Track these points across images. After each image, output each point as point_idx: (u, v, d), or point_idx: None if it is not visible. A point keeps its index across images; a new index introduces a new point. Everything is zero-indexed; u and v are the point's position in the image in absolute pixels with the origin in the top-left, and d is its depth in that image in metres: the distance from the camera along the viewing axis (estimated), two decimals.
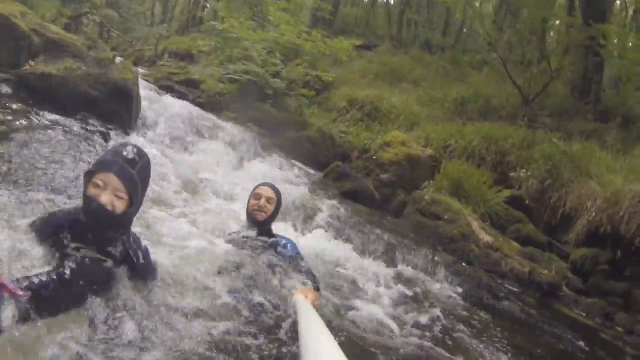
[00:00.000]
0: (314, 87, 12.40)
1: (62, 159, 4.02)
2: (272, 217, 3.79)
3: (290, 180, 6.49)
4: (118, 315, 2.14)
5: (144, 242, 2.49)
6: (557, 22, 16.21)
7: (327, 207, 5.64)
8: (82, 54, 6.18)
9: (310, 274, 3.45)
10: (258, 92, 10.10)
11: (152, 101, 6.63)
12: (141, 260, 2.38)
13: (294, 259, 3.56)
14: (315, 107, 11.96)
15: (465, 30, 21.76)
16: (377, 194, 7.40)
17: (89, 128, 5.05)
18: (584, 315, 5.79)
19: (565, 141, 8.62)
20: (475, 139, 8.83)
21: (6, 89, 5.26)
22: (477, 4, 20.67)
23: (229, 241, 3.65)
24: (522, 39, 13.30)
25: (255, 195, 3.76)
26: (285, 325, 2.68)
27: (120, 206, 2.19)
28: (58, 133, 4.46)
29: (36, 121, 4.59)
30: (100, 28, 20.26)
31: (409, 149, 8.46)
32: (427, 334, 3.47)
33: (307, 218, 5.20)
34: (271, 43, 11.78)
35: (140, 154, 2.29)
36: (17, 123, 4.43)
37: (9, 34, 5.84)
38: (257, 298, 2.90)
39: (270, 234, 3.74)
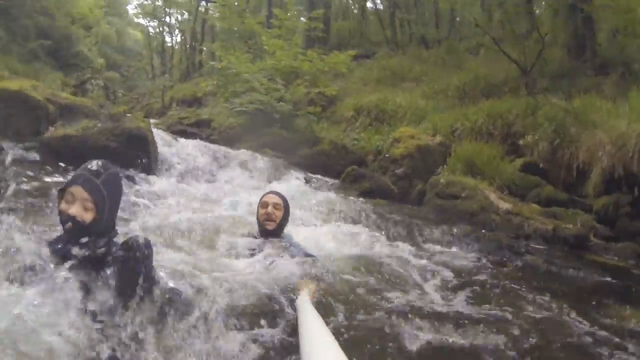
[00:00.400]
0: (319, 103, 12.85)
1: None
2: (282, 224, 3.92)
3: (310, 189, 6.91)
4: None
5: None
6: None
7: (348, 203, 6.10)
8: (94, 113, 6.85)
9: (314, 267, 3.54)
10: (266, 119, 10.57)
11: (167, 144, 7.20)
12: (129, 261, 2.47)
13: (298, 251, 3.73)
14: (324, 121, 12.46)
15: (458, 19, 22.14)
16: (394, 188, 7.78)
17: None
18: (616, 259, 5.78)
19: (566, 100, 8.88)
20: (480, 118, 9.15)
21: (33, 155, 5.91)
22: None
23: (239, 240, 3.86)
24: (510, 14, 13.64)
25: (263, 204, 3.90)
26: (286, 320, 2.72)
27: (88, 216, 2.38)
28: None
29: (64, 179, 5.03)
30: (105, 90, 21.07)
31: (418, 140, 8.82)
32: (449, 296, 3.68)
33: (330, 212, 5.62)
34: (270, 70, 12.26)
35: (105, 166, 2.51)
36: (48, 180, 5.02)
37: (26, 105, 6.57)
38: (258, 290, 2.96)
39: (280, 233, 3.91)
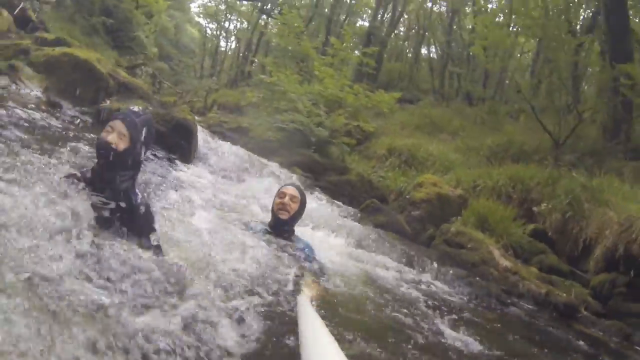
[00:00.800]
0: (356, 136, 13.62)
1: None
2: (296, 217, 3.99)
3: (330, 212, 7.52)
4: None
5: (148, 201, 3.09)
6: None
7: (361, 230, 6.70)
8: (148, 96, 7.83)
9: (320, 270, 3.75)
10: (302, 140, 11.25)
11: (206, 141, 8.03)
12: (140, 210, 2.93)
13: (307, 257, 3.83)
14: (356, 154, 13.17)
15: (507, 82, 22.74)
16: (407, 227, 8.37)
17: (158, 155, 6.46)
18: (601, 334, 5.98)
19: (586, 176, 9.41)
20: (502, 179, 9.73)
21: (89, 120, 6.85)
22: (517, 54, 21.87)
23: (249, 229, 3.95)
24: (555, 85, 14.23)
25: (280, 194, 3.95)
26: (286, 320, 2.80)
27: (121, 144, 2.76)
28: None
29: None
30: (153, 79, 21.79)
31: (440, 188, 9.41)
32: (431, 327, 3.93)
33: (341, 230, 6.22)
34: (316, 95, 12.88)
35: (145, 111, 2.99)
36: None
37: (90, 75, 7.59)
38: (260, 289, 3.07)
39: (292, 234, 4.02)
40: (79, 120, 6.79)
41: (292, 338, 2.55)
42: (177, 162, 6.79)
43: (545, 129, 12.09)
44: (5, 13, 10.02)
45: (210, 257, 3.18)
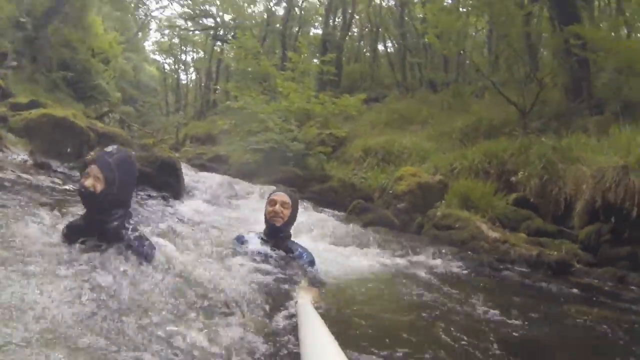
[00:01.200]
0: (330, 143, 13.99)
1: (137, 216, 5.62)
2: (289, 222, 3.99)
3: (319, 219, 7.81)
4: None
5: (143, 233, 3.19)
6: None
7: (353, 231, 7.06)
8: (128, 142, 8.18)
9: (316, 278, 3.82)
10: (280, 156, 11.64)
11: (190, 175, 8.40)
12: (133, 244, 3.03)
13: (304, 263, 3.93)
14: (334, 161, 13.55)
15: (467, 62, 23.19)
16: (396, 220, 8.75)
17: (151, 194, 6.86)
18: (596, 281, 6.22)
19: (555, 138, 9.87)
20: (477, 157, 10.15)
21: (76, 174, 7.24)
22: (472, 33, 22.39)
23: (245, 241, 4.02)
24: (512, 58, 14.77)
25: (270, 202, 3.96)
26: (286, 323, 2.85)
27: (98, 186, 2.92)
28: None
29: None
30: (121, 124, 21.94)
31: (419, 178, 9.81)
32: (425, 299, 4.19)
33: (337, 239, 6.55)
34: (284, 111, 13.30)
35: (119, 149, 3.11)
36: None
37: (71, 132, 8.01)
38: (260, 296, 3.17)
39: (288, 240, 4.05)
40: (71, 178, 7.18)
41: (292, 338, 2.60)
42: (170, 199, 7.15)
43: (509, 101, 12.56)
44: None
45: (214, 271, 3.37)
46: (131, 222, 3.15)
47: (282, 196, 3.99)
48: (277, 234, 3.98)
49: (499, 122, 13.14)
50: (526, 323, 3.70)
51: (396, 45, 27.25)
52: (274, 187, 9.03)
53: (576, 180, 8.40)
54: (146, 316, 2.47)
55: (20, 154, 7.71)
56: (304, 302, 2.79)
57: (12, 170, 6.76)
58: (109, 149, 3.08)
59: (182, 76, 44.72)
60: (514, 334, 3.43)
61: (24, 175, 6.75)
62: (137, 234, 3.13)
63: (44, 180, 6.85)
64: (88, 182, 2.92)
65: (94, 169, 2.95)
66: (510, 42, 14.10)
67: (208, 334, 2.45)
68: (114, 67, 25.77)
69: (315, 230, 6.74)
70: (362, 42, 32.43)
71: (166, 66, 45.02)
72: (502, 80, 14.55)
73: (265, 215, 3.99)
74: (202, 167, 11.14)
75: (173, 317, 2.55)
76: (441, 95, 19.56)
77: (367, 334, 3.00)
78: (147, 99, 37.14)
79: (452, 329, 3.29)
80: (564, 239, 7.80)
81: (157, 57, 45.59)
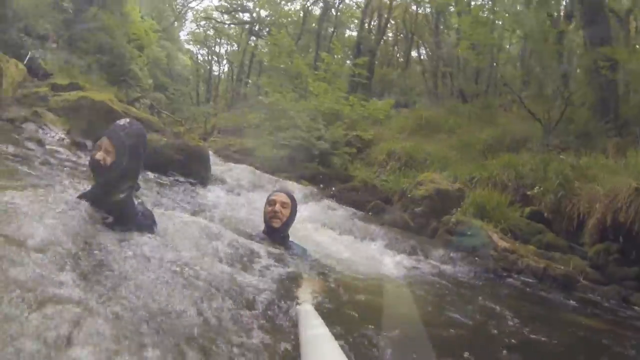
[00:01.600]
0: (355, 145, 14.34)
1: (162, 201, 6.11)
2: (288, 223, 4.02)
3: (339, 216, 8.28)
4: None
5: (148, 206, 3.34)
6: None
7: (368, 226, 7.55)
8: (162, 129, 8.61)
9: (315, 272, 3.81)
10: (306, 154, 12.12)
11: (218, 164, 8.88)
12: (137, 216, 3.13)
13: (302, 255, 3.98)
14: (358, 162, 13.89)
15: (499, 75, 23.31)
16: (412, 223, 9.11)
17: (179, 180, 7.36)
18: (599, 298, 6.34)
19: (575, 156, 10.15)
20: (496, 169, 10.49)
21: None
22: (507, 46, 22.53)
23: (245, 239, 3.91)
24: (542, 74, 15.01)
25: (270, 202, 3.99)
26: (286, 323, 2.76)
27: (109, 159, 2.92)
28: (153, 185, 6.63)
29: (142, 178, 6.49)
30: (151, 110, 22.04)
31: (438, 184, 10.13)
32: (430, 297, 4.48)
33: (357, 235, 7.00)
34: (313, 110, 13.70)
35: (131, 122, 3.08)
36: None
37: (109, 115, 8.44)
38: (260, 295, 3.00)
39: (287, 240, 4.08)
40: None
41: (292, 338, 2.53)
42: (197, 185, 7.65)
43: (534, 117, 12.83)
44: (19, 64, 10.95)
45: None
46: (137, 196, 3.26)
47: (282, 196, 4.05)
48: (276, 234, 4.03)
49: (522, 137, 13.39)
50: (518, 326, 3.89)
51: (429, 53, 27.45)
52: (295, 183, 9.63)
53: (590, 198, 8.63)
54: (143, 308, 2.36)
55: (58, 132, 8.27)
56: (305, 304, 2.76)
57: (50, 146, 7.33)
58: (122, 122, 3.08)
59: (215, 67, 45.33)
60: (505, 339, 3.57)
61: (62, 150, 7.32)
62: (141, 208, 3.28)
63: (79, 157, 7.39)
64: (99, 155, 2.94)
65: (104, 141, 2.97)
66: (542, 59, 14.34)
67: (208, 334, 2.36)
68: (148, 54, 26.31)
69: (333, 222, 7.15)
70: (396, 47, 32.67)
71: (199, 57, 45.74)
72: (530, 95, 14.77)
73: (264, 215, 4.04)
74: (229, 158, 11.62)
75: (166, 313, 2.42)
76: (470, 106, 19.68)
77: (367, 334, 2.93)
78: (179, 87, 37.53)
79: (452, 329, 3.45)
80: (574, 255, 7.97)
81: (191, 47, 46.21)
